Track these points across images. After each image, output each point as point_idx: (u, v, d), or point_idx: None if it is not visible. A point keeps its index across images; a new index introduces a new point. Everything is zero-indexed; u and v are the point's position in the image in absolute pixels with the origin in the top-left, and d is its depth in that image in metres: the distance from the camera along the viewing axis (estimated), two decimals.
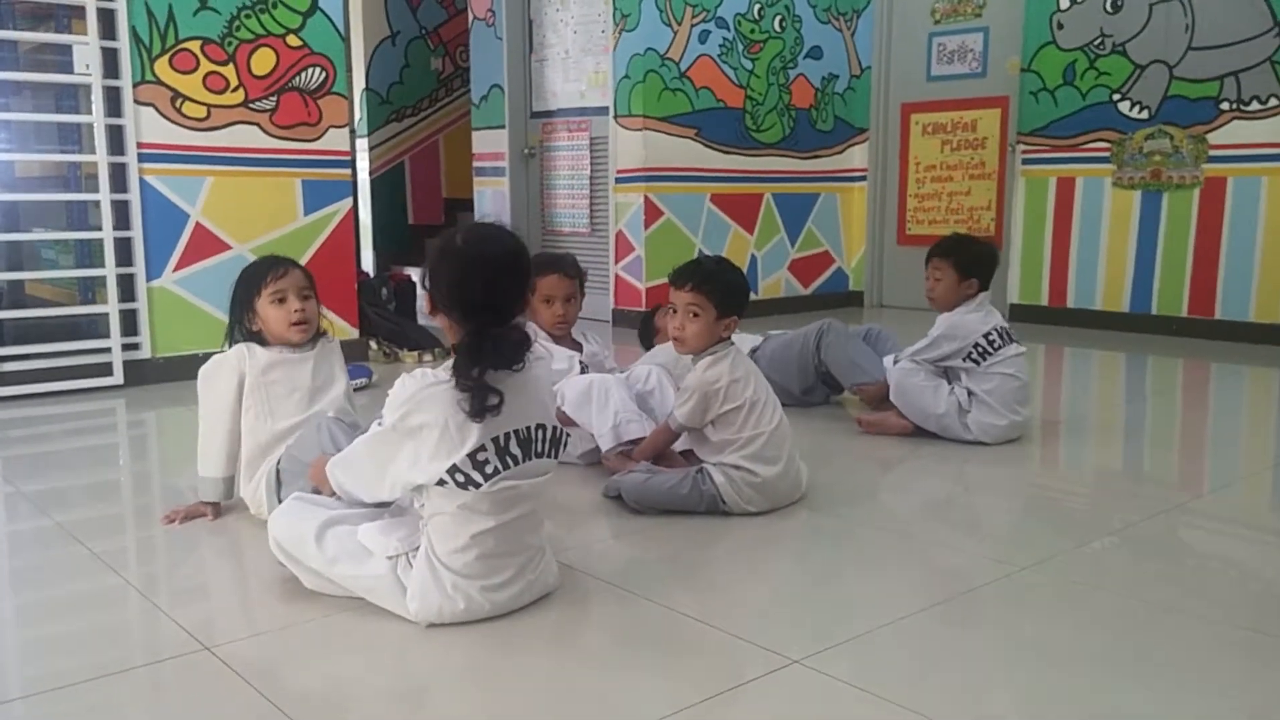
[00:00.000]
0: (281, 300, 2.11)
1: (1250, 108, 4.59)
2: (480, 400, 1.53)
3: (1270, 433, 3.24)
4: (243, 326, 2.15)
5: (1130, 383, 4.12)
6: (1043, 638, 1.63)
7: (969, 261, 2.87)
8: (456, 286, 1.57)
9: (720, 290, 2.21)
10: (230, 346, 2.17)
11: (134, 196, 3.68)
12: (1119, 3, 4.93)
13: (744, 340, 3.17)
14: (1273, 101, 4.52)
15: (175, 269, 3.79)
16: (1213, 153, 4.72)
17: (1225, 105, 4.66)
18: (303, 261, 3.93)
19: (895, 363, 2.97)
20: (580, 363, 2.73)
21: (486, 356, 1.54)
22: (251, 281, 2.14)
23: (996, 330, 2.84)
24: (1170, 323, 4.87)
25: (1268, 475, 2.67)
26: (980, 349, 2.82)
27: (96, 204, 3.64)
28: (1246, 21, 4.55)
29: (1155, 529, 2.16)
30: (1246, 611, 1.72)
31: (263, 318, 2.12)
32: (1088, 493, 2.56)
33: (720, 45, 5.49)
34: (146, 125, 3.68)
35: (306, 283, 2.15)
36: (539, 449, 1.64)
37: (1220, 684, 1.46)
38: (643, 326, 3.56)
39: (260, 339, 2.15)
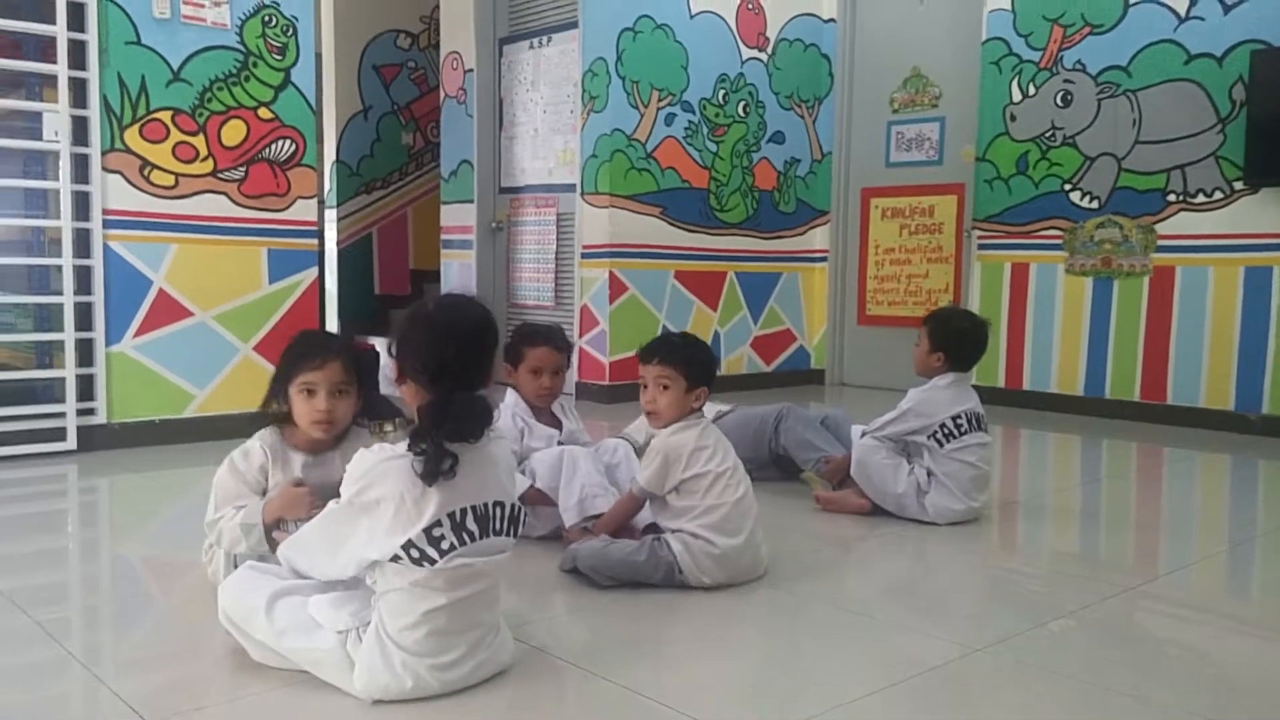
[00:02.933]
0: (311, 393, 1.97)
1: (1196, 200, 4.78)
2: (435, 463, 1.52)
3: (1222, 518, 3.30)
4: (276, 404, 2.02)
5: (1085, 465, 4.18)
6: None
7: (942, 334, 2.90)
8: (426, 353, 1.58)
9: (687, 362, 2.25)
10: (266, 413, 2.04)
11: (97, 262, 3.66)
12: (1069, 97, 5.14)
13: (710, 408, 3.19)
14: (1217, 195, 4.71)
15: (136, 334, 3.76)
16: (1161, 242, 4.88)
17: (1172, 197, 4.84)
18: (266, 329, 4.01)
19: (863, 435, 2.97)
20: (559, 442, 2.72)
21: (449, 422, 1.54)
22: (287, 364, 2.01)
23: (966, 415, 2.84)
24: (1124, 407, 4.97)
25: (1221, 559, 2.71)
26: (946, 431, 2.83)
27: (59, 269, 3.62)
28: (1191, 117, 4.76)
29: (1111, 612, 2.17)
30: (1203, 697, 1.73)
31: (292, 402, 1.99)
32: (1044, 574, 2.57)
33: (685, 128, 5.63)
34: (113, 192, 3.69)
35: (344, 377, 1.99)
36: (497, 526, 1.63)
37: None
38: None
39: (289, 418, 2.03)
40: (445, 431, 1.54)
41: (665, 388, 2.24)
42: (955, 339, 2.90)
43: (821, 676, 1.80)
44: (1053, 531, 2.92)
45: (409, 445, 1.55)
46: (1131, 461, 4.16)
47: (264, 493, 2.01)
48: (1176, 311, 4.85)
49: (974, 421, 2.85)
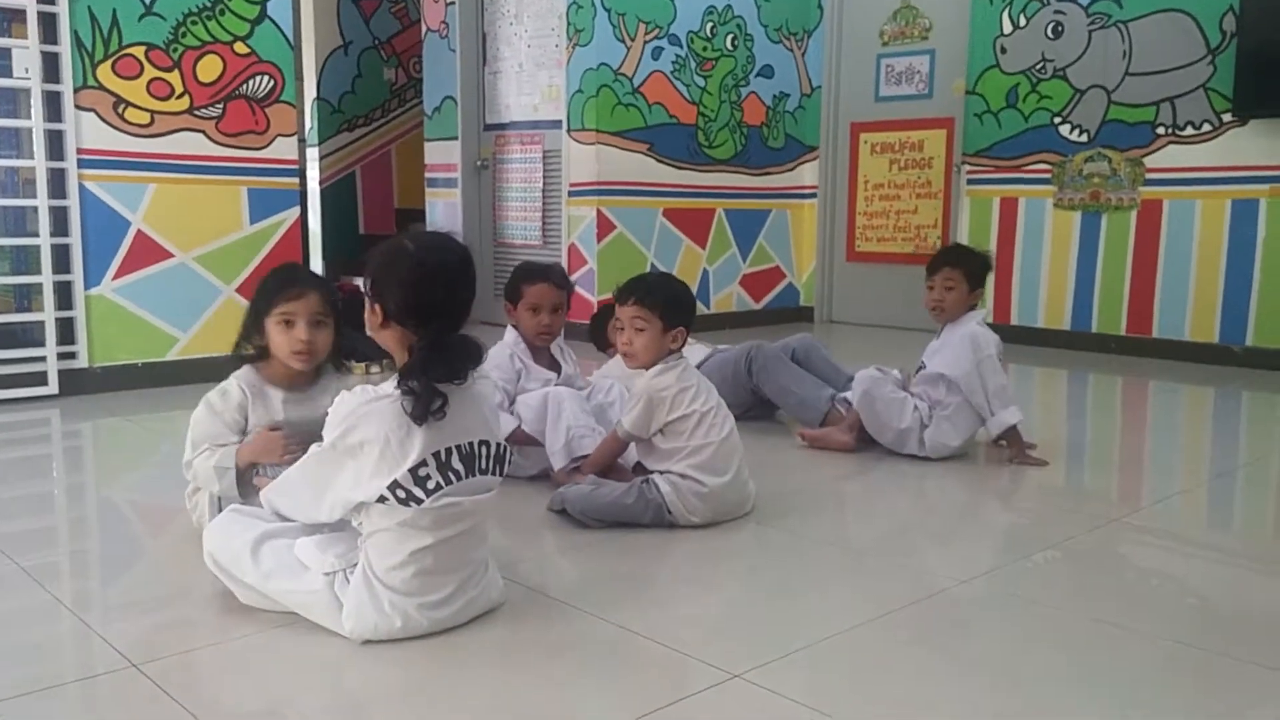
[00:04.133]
0: (289, 324, 1.96)
1: (1185, 132, 4.73)
2: (425, 403, 1.51)
3: (1206, 450, 3.33)
4: (252, 339, 2.01)
5: (1071, 400, 4.20)
6: (986, 651, 1.64)
7: (977, 269, 2.88)
8: (414, 295, 1.55)
9: (664, 303, 2.22)
10: (238, 349, 2.03)
11: (73, 203, 3.60)
12: (1060, 28, 5.05)
13: (694, 351, 3.19)
14: (1206, 127, 4.67)
15: (115, 277, 3.71)
16: (1149, 176, 4.85)
17: (1161, 130, 4.80)
18: (248, 270, 3.96)
19: (998, 420, 2.82)
20: (555, 385, 2.69)
21: (440, 364, 1.53)
22: (264, 296, 1.99)
23: (997, 347, 2.85)
24: (1109, 341, 4.99)
25: (1203, 491, 2.74)
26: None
27: (34, 210, 3.56)
28: (1181, 48, 4.69)
29: (1095, 543, 2.20)
30: (1186, 626, 1.75)
31: (270, 335, 1.98)
32: (1030, 507, 2.60)
33: (673, 62, 5.53)
34: (87, 131, 3.61)
35: (322, 308, 1.98)
36: (482, 465, 1.63)
37: (1162, 699, 1.49)
38: (593, 327, 3.53)
39: (266, 354, 2.02)
40: (437, 372, 1.53)
41: (641, 329, 2.22)
42: (986, 270, 2.90)
43: (811, 609, 1.81)
44: (1036, 467, 2.94)
45: (398, 386, 1.53)
46: (1117, 395, 4.19)
47: (243, 432, 1.99)
48: (1163, 245, 4.84)
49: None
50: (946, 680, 1.54)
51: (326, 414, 1.87)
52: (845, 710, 1.41)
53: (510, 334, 2.69)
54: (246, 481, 1.95)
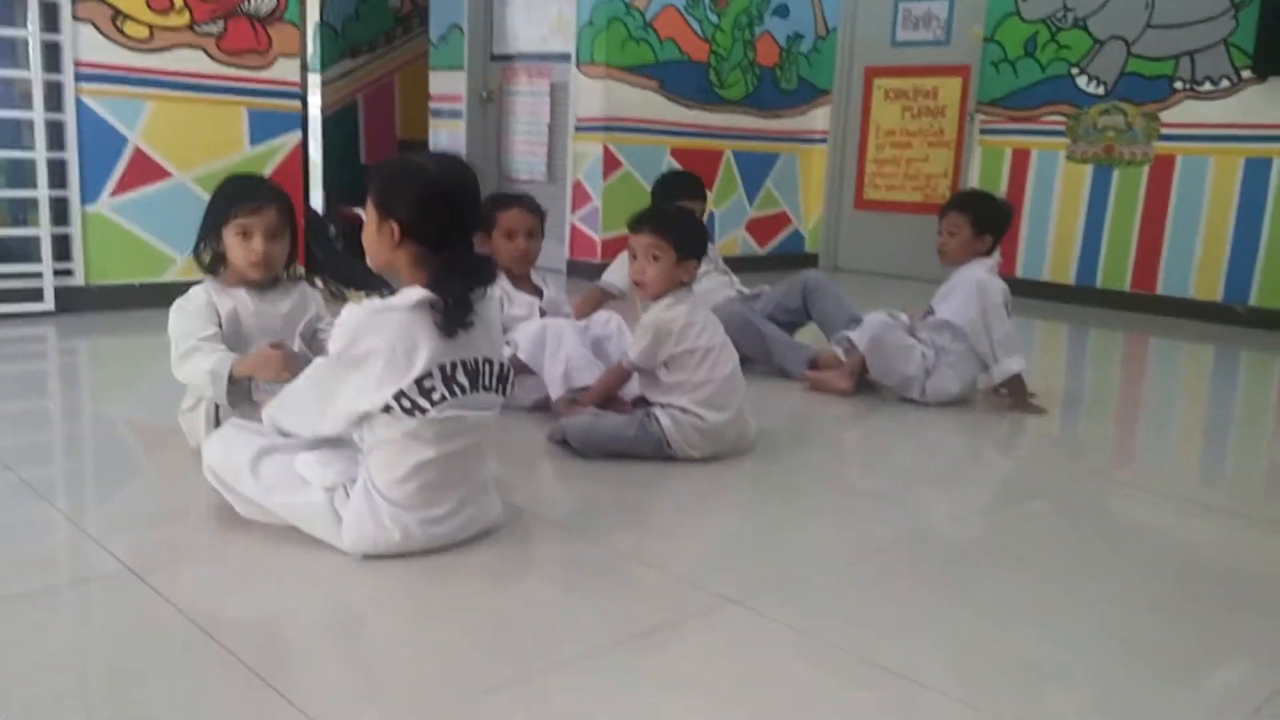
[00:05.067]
0: (246, 236, 1.98)
1: (1203, 88, 4.66)
2: (459, 314, 1.53)
3: (1201, 408, 3.33)
4: (208, 246, 2.03)
5: (1071, 354, 4.19)
6: (975, 589, 1.65)
7: (985, 217, 2.84)
8: (432, 211, 1.54)
9: (679, 233, 2.20)
10: (197, 260, 2.05)
11: (69, 117, 3.54)
12: None
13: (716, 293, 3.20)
14: (1224, 83, 4.59)
15: (112, 194, 3.66)
16: (1164, 131, 4.79)
17: (1179, 84, 4.72)
18: None
19: (1001, 367, 2.80)
20: (540, 309, 2.69)
21: (469, 278, 1.55)
22: (222, 206, 2.01)
23: (1004, 296, 2.83)
24: (1114, 297, 4.97)
25: (1195, 447, 2.75)
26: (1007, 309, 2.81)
27: (30, 123, 3.50)
28: (1204, 1, 4.59)
29: (1086, 494, 2.21)
30: (1169, 576, 1.76)
31: (226, 245, 2.00)
32: (1024, 456, 2.60)
33: None
34: (85, 43, 3.53)
35: (279, 220, 2.01)
36: (486, 382, 1.62)
37: (1145, 643, 1.50)
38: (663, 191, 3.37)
39: (224, 261, 2.04)
40: (467, 284, 1.54)
41: (655, 258, 2.21)
42: (998, 217, 2.87)
43: (803, 544, 1.82)
44: (1035, 416, 2.94)
45: (430, 303, 1.53)
46: (1118, 350, 4.18)
47: (218, 325, 2.00)
48: (1174, 201, 4.80)
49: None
50: (934, 614, 1.55)
51: (289, 310, 2.00)
52: (834, 636, 1.42)
53: None
54: (244, 397, 1.95)
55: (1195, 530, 2.04)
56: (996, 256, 2.90)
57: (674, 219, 2.26)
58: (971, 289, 2.80)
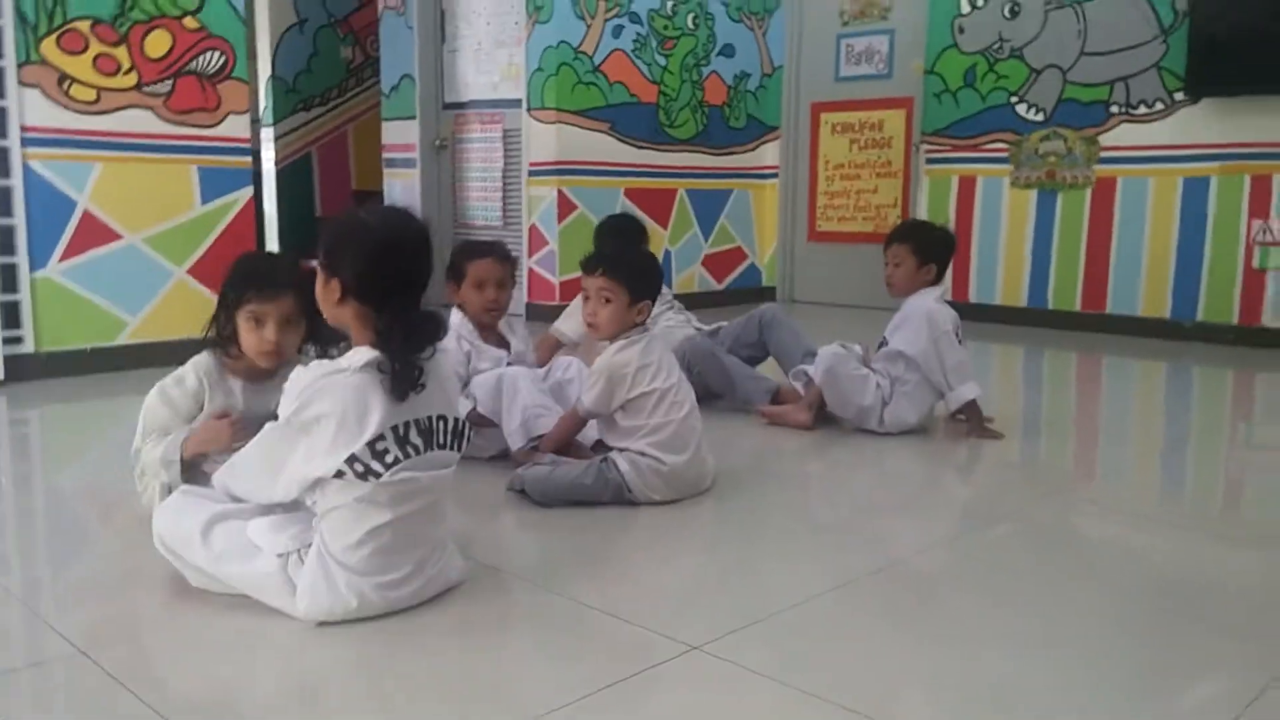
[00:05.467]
0: (259, 323, 1.89)
1: (1138, 111, 4.80)
2: (406, 380, 1.51)
3: (1158, 423, 3.39)
4: (223, 324, 1.94)
5: (1027, 375, 4.26)
6: (945, 618, 1.66)
7: (927, 245, 2.88)
8: (373, 268, 1.53)
9: (630, 275, 2.21)
10: (209, 330, 1.96)
11: (16, 182, 3.50)
12: (1017, 9, 5.09)
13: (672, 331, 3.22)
14: (1159, 105, 4.73)
15: (62, 258, 3.62)
16: (1103, 154, 4.91)
17: (1115, 109, 4.86)
18: (199, 252, 3.89)
19: (955, 395, 2.84)
20: (508, 363, 2.67)
21: (413, 338, 1.53)
22: (237, 287, 1.91)
23: (956, 327, 2.86)
24: (1066, 317, 5.06)
25: (1155, 463, 2.79)
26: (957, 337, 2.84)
27: None
28: (1135, 28, 4.75)
29: (1050, 516, 2.23)
30: (1136, 594, 1.78)
31: (239, 328, 1.91)
32: (986, 480, 2.63)
33: (634, 40, 5.49)
34: (31, 107, 3.51)
35: (295, 310, 1.90)
36: (441, 440, 1.61)
37: (1118, 662, 1.51)
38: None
39: (233, 341, 1.95)
40: (411, 346, 1.53)
41: (607, 300, 2.21)
42: (941, 245, 2.91)
43: (771, 582, 1.82)
44: (993, 440, 2.97)
45: (378, 365, 1.51)
46: (1072, 370, 4.25)
47: (194, 419, 1.94)
48: (1117, 222, 4.91)
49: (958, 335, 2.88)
50: (905, 647, 1.55)
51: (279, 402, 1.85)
52: (804, 679, 1.42)
53: (455, 316, 2.65)
54: (196, 470, 1.91)
55: (1158, 547, 2.07)
56: (945, 284, 2.94)
57: (626, 261, 2.27)
58: (921, 319, 2.84)
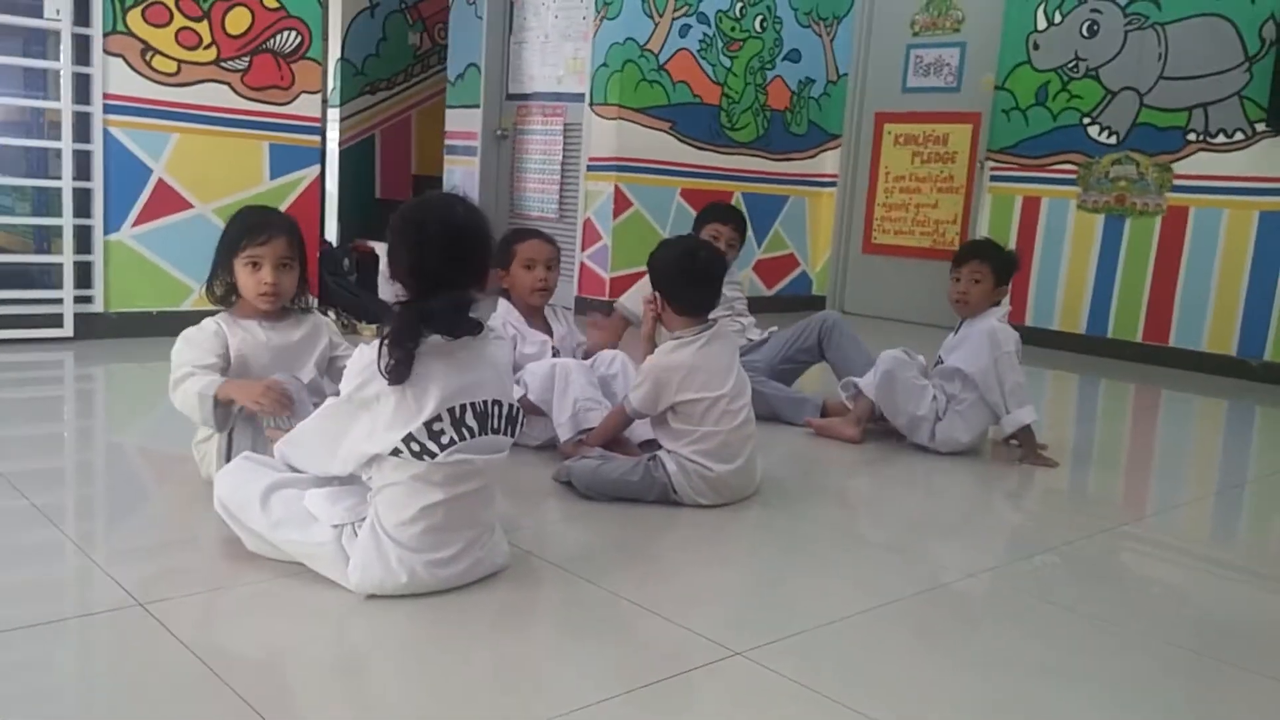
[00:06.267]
0: (256, 267, 2.01)
1: (1216, 140, 4.69)
2: (403, 366, 1.51)
3: (1214, 462, 3.31)
4: (220, 279, 2.07)
5: (1082, 404, 4.18)
6: (984, 645, 1.65)
7: (1005, 266, 2.85)
8: (406, 252, 1.56)
9: (656, 277, 2.27)
10: (209, 292, 2.08)
11: (97, 147, 3.60)
12: (1095, 27, 5.00)
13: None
14: (1239, 135, 4.62)
15: (134, 224, 3.72)
16: (1177, 182, 4.81)
17: (1192, 136, 4.75)
18: None
19: (1013, 417, 2.79)
20: (553, 347, 2.71)
21: (426, 321, 1.53)
22: (233, 238, 2.03)
23: (1016, 345, 2.83)
24: (1125, 348, 4.96)
25: (1208, 503, 2.73)
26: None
27: (58, 153, 3.56)
28: (1218, 54, 4.64)
29: (1096, 549, 2.19)
30: (1184, 634, 1.75)
31: (237, 277, 2.04)
32: (1033, 509, 2.59)
33: (700, 41, 5.49)
34: (115, 76, 3.61)
35: (288, 251, 2.04)
36: (495, 424, 1.63)
37: (1159, 701, 1.49)
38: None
39: (237, 293, 2.07)
40: (415, 333, 1.52)
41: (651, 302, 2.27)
42: (1013, 266, 2.87)
43: (810, 594, 1.82)
44: (1046, 468, 2.93)
45: (382, 343, 1.53)
46: (1128, 402, 4.17)
47: (222, 358, 2.02)
48: (1187, 253, 4.80)
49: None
50: (940, 671, 1.54)
51: (300, 338, 2.01)
52: (840, 693, 1.41)
53: (501, 304, 2.70)
54: (225, 419, 1.98)
55: (1209, 589, 2.03)
56: (1006, 305, 2.91)
57: (660, 261, 2.28)
58: (984, 338, 2.80)
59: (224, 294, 2.08)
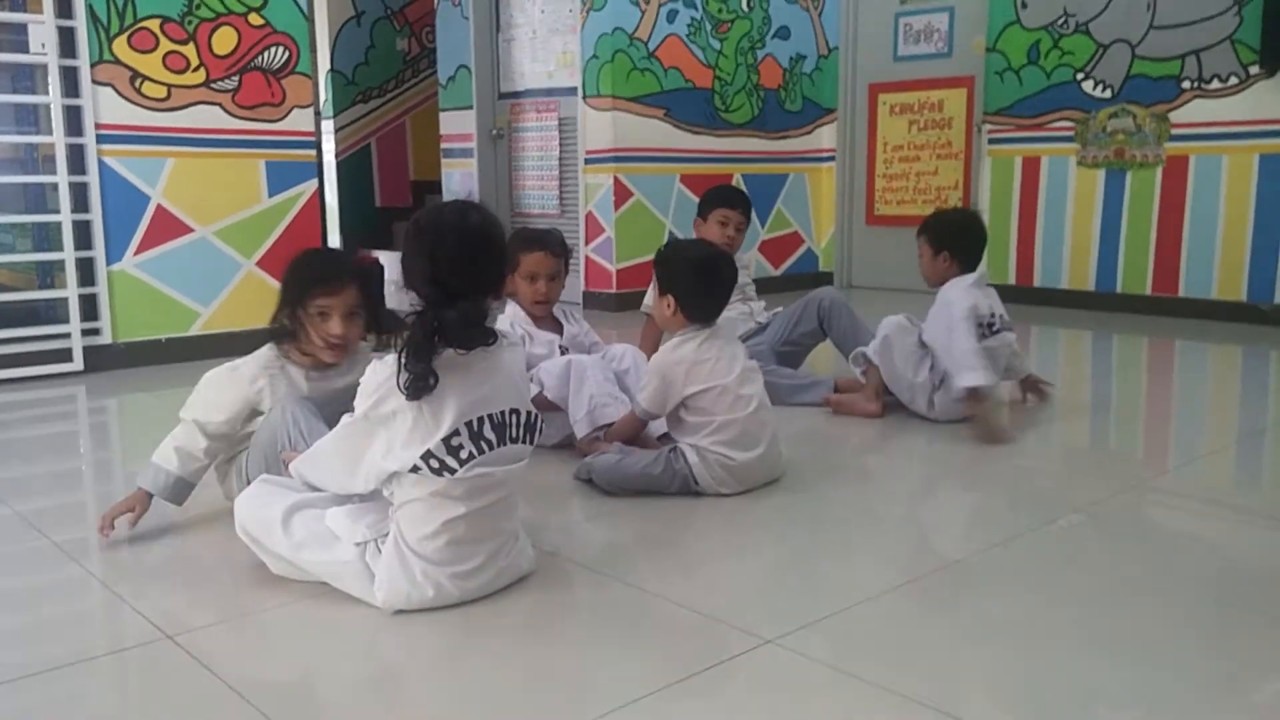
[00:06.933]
0: (324, 317, 1.96)
1: (1211, 86, 4.64)
2: (420, 380, 1.48)
3: (1233, 409, 3.29)
4: (285, 321, 2.00)
5: (1096, 361, 4.16)
6: (1014, 615, 1.64)
7: (937, 234, 2.87)
8: (412, 264, 1.55)
9: (661, 270, 2.26)
10: (274, 323, 2.02)
11: (93, 178, 3.61)
12: None
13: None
14: (1233, 80, 4.58)
15: (136, 252, 3.72)
16: (1175, 131, 4.77)
17: (1187, 84, 4.71)
18: (268, 244, 3.96)
19: (960, 383, 2.74)
20: (560, 346, 2.71)
21: (442, 332, 1.50)
22: (300, 286, 1.98)
23: (997, 315, 2.82)
24: (1136, 301, 4.93)
25: (1230, 452, 2.72)
26: (979, 335, 2.76)
27: (54, 186, 3.57)
28: (1206, 0, 4.59)
29: (1121, 506, 2.18)
30: (1213, 588, 1.74)
31: (303, 323, 1.98)
32: (1055, 470, 2.58)
33: (688, 25, 5.46)
34: (105, 105, 3.61)
35: (357, 301, 1.97)
36: (513, 434, 1.62)
37: (1191, 658, 1.48)
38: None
39: (297, 337, 2.01)
40: (431, 345, 1.49)
41: (658, 295, 2.27)
42: (954, 235, 2.86)
43: (838, 575, 1.81)
44: (1063, 427, 2.92)
45: (400, 359, 1.51)
46: (1143, 355, 4.15)
47: (243, 415, 1.99)
48: (1190, 202, 4.77)
49: (1002, 320, 2.83)
50: (974, 644, 1.53)
51: (345, 386, 1.90)
52: (875, 673, 1.41)
53: (510, 306, 2.70)
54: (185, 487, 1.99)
55: (1236, 539, 2.01)
56: (979, 271, 2.86)
57: (664, 252, 2.28)
58: (938, 307, 2.81)
59: (293, 334, 2.00)
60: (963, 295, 2.78)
